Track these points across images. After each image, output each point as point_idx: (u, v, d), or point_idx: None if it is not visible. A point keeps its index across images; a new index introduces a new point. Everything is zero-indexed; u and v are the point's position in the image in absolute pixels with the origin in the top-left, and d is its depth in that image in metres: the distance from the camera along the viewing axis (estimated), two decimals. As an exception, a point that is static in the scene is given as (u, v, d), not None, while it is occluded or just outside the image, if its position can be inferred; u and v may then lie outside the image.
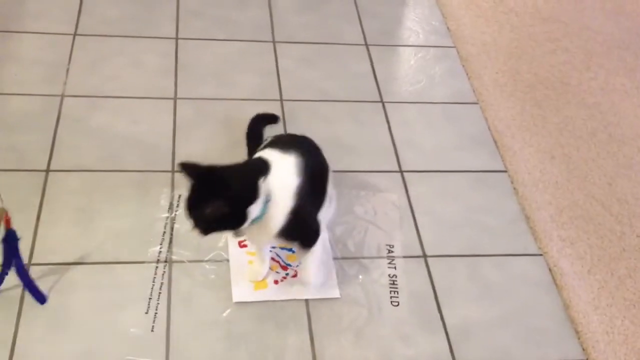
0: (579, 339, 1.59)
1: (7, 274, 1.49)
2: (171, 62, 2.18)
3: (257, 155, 1.54)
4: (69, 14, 2.28)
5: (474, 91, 2.23)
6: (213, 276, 1.62)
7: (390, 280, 1.67)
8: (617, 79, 2.32)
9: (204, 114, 2.03)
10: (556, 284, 1.69)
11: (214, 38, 2.30)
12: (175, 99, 2.06)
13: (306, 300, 1.60)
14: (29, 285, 1.51)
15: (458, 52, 2.37)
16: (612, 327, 1.60)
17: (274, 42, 2.32)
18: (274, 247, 1.70)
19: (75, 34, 2.22)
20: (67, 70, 2.09)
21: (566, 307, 1.64)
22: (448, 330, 1.58)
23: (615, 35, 2.51)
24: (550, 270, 1.72)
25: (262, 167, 1.45)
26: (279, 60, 2.25)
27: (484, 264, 1.73)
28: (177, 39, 2.27)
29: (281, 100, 2.11)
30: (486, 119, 2.13)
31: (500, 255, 1.76)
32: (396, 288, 1.65)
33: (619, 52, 2.43)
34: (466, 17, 2.49)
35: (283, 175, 1.46)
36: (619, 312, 1.63)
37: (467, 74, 2.29)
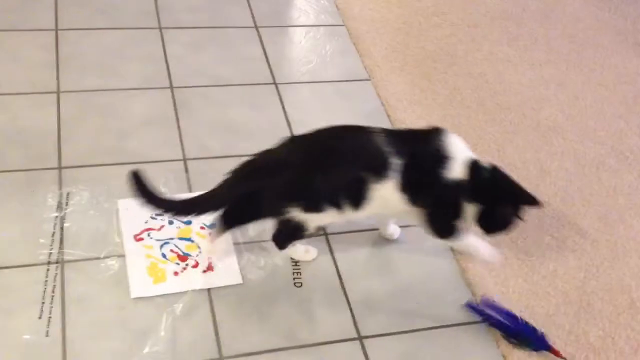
0: (476, 301, 1.63)
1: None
2: (52, 55, 2.09)
3: None
4: (-64, 9, 2.15)
5: (365, 68, 2.25)
6: (110, 273, 1.57)
7: (292, 261, 1.67)
8: (500, 48, 2.39)
9: (90, 107, 1.96)
10: (452, 250, 1.74)
11: (97, 27, 2.23)
12: (58, 92, 1.98)
13: (208, 289, 1.58)
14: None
15: (348, 30, 2.38)
16: (506, 287, 1.66)
17: (160, 28, 2.27)
18: (171, 239, 1.67)
19: (-56, 31, 2.10)
20: (-62, 69, 1.97)
21: (463, 271, 1.69)
22: (352, 305, 1.60)
23: (497, 6, 2.58)
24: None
25: None
26: (166, 47, 2.20)
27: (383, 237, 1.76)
28: (57, 30, 2.18)
29: (171, 87, 2.07)
30: (379, 95, 2.15)
31: (399, 226, 1.78)
32: (299, 269, 1.66)
33: (501, 22, 2.51)
34: (354, -6, 2.51)
35: None
36: (512, 272, 1.69)
37: (357, 52, 2.30)
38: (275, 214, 1.55)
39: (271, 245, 1.68)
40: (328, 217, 1.54)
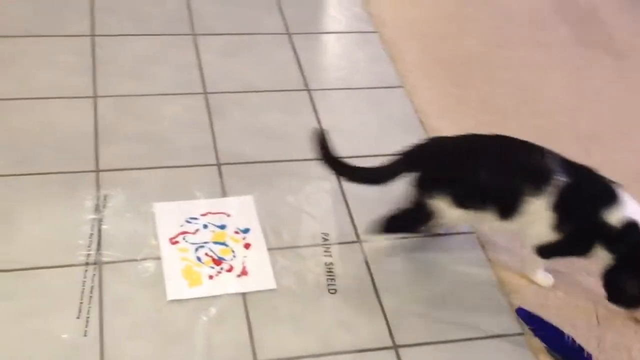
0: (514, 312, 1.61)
1: None
2: (88, 60, 2.11)
3: None
4: (-27, 15, 2.19)
5: (398, 75, 2.24)
6: (147, 275, 1.58)
7: (326, 268, 1.66)
8: (533, 55, 2.37)
9: (126, 111, 1.97)
10: (490, 260, 1.71)
11: (132, 33, 2.24)
12: (94, 97, 2.00)
13: (242, 294, 1.58)
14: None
15: (380, 37, 2.38)
16: (545, 300, 1.63)
17: (194, 34, 2.28)
18: (206, 242, 1.67)
19: (-19, 35, 2.13)
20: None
21: (501, 282, 1.67)
22: (387, 313, 1.58)
23: (530, 11, 2.56)
24: (482, 247, 1.74)
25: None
26: (200, 53, 2.21)
27: (418, 244, 1.74)
28: (93, 35, 2.20)
29: (205, 93, 2.08)
30: (412, 102, 2.14)
31: (434, 234, 1.77)
32: (333, 275, 1.65)
33: (534, 27, 2.49)
34: (386, 1, 2.50)
35: None
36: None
37: (390, 58, 2.30)
38: (419, 197, 1.58)
39: (305, 251, 1.68)
40: (463, 217, 1.57)
